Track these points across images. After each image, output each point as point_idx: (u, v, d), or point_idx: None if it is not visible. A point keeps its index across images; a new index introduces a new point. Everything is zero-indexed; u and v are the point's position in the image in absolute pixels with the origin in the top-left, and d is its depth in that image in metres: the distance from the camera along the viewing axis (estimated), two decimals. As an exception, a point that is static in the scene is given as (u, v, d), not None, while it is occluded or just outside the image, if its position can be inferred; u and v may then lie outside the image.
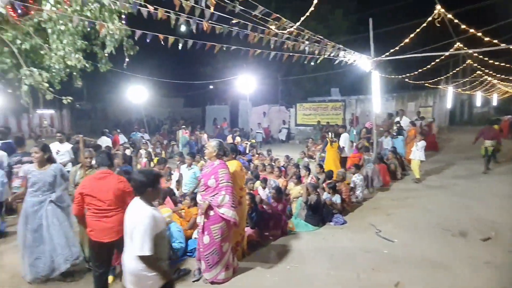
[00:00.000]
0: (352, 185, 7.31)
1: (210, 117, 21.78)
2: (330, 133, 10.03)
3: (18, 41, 6.53)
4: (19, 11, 5.41)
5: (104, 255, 3.42)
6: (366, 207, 7.00)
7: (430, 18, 6.09)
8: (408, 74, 13.23)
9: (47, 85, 6.97)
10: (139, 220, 2.51)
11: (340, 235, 5.47)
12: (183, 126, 14.62)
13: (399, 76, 13.83)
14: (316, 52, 6.84)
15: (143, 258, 2.48)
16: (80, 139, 4.35)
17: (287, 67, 19.67)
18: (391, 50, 8.02)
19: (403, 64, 16.34)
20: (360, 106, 17.34)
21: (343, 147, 9.46)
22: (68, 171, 6.69)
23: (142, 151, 9.69)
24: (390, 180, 8.61)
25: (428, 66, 11.47)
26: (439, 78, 16.93)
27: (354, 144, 10.82)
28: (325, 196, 6.36)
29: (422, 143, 8.69)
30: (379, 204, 7.11)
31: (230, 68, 20.31)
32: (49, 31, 6.75)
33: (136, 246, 2.48)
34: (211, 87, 24.80)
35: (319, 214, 5.78)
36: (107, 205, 3.30)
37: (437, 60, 11.01)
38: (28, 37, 6.72)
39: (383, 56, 8.38)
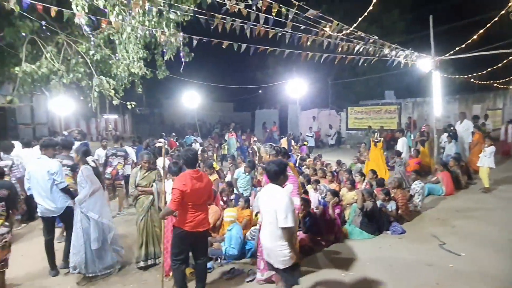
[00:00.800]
0: (411, 192, 6.87)
1: (259, 121, 22.02)
2: (375, 134, 9.68)
3: (91, 52, 7.23)
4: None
5: (189, 247, 3.72)
6: (426, 216, 6.52)
7: (503, 11, 5.52)
8: (473, 74, 12.10)
9: (113, 91, 7.62)
10: (281, 200, 3.01)
11: (398, 245, 5.15)
12: (230, 130, 15.01)
13: (463, 76, 12.71)
14: (371, 53, 6.60)
15: (286, 229, 2.94)
16: (162, 146, 4.58)
17: (338, 70, 19.23)
18: (457, 48, 7.41)
19: (467, 63, 14.98)
20: (417, 109, 16.33)
21: (401, 153, 8.96)
22: (128, 174, 7.31)
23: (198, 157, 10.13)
24: (455, 189, 7.93)
25: (499, 65, 10.36)
26: (510, 78, 15.24)
27: (412, 149, 10.22)
28: (379, 203, 6.06)
29: (491, 149, 7.87)
30: (442, 214, 6.58)
31: (280, 73, 20.40)
32: (117, 42, 7.38)
33: (280, 220, 2.94)
34: (260, 91, 25.13)
35: (376, 221, 5.51)
36: (203, 201, 3.70)
37: (510, 58, 9.92)
38: (99, 48, 7.41)
39: (447, 55, 7.79)
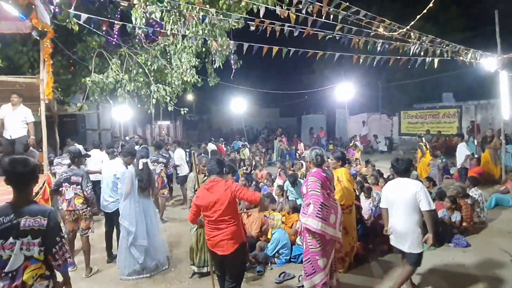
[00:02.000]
0: (469, 201, 6.32)
1: (306, 127, 21.77)
2: (422, 138, 9.17)
3: (149, 63, 7.77)
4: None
5: (220, 264, 3.37)
6: (494, 229, 5.94)
7: None
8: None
9: (168, 98, 8.09)
10: (418, 188, 3.48)
11: (462, 258, 4.75)
12: (279, 134, 15.11)
13: (536, 75, 11.43)
14: (430, 53, 6.22)
15: (430, 212, 3.46)
16: (193, 153, 4.63)
17: (389, 72, 18.34)
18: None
19: (540, 60, 13.48)
20: (480, 112, 14.98)
21: (472, 155, 8.28)
22: (180, 176, 7.64)
23: (247, 161, 10.36)
24: (527, 200, 7.12)
25: None
26: None
27: (475, 156, 9.42)
28: (441, 213, 5.65)
29: None
30: (513, 227, 5.95)
31: (326, 76, 20.04)
32: (171, 52, 7.84)
33: (425, 204, 3.43)
34: (306, 96, 24.90)
35: (436, 232, 5.13)
36: (217, 216, 3.14)
37: None
38: (156, 59, 7.94)
39: (517, 52, 7.09)
